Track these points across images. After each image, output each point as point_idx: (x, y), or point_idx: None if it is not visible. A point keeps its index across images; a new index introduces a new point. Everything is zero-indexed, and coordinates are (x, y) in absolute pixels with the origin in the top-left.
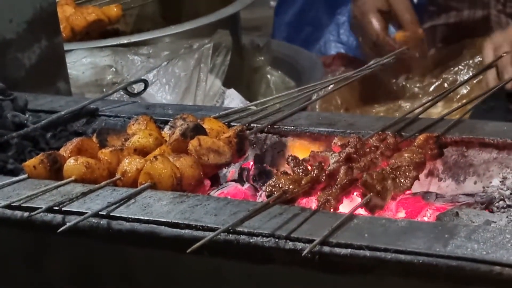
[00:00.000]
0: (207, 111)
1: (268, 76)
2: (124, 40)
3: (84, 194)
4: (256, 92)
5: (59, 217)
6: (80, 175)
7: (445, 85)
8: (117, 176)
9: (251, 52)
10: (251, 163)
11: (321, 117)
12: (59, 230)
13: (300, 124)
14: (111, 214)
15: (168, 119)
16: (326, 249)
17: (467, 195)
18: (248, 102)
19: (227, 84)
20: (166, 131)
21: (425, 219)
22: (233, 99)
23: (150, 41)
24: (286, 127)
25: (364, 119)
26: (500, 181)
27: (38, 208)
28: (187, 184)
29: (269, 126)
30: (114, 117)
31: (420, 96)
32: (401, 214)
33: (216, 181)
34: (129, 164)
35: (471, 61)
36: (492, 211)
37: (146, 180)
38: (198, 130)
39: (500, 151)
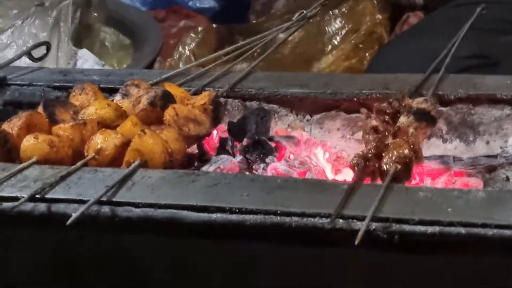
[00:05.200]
0: (141, 75)
1: (102, 33)
2: None
3: (63, 178)
4: (91, 51)
5: (42, 206)
6: (43, 156)
7: None
8: (90, 154)
9: (84, 9)
10: (215, 132)
11: (286, 77)
12: (68, 222)
13: (264, 87)
14: (113, 199)
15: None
16: (407, 227)
17: (488, 156)
18: (103, 62)
19: None
20: (118, 99)
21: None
22: (87, 60)
23: None
24: (249, 90)
25: (337, 78)
26: None
27: (16, 198)
28: (175, 159)
29: (229, 89)
30: (28, 86)
31: None
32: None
33: None
34: (105, 141)
35: (337, 11)
36: None
37: (135, 158)
38: (168, 97)
39: None
